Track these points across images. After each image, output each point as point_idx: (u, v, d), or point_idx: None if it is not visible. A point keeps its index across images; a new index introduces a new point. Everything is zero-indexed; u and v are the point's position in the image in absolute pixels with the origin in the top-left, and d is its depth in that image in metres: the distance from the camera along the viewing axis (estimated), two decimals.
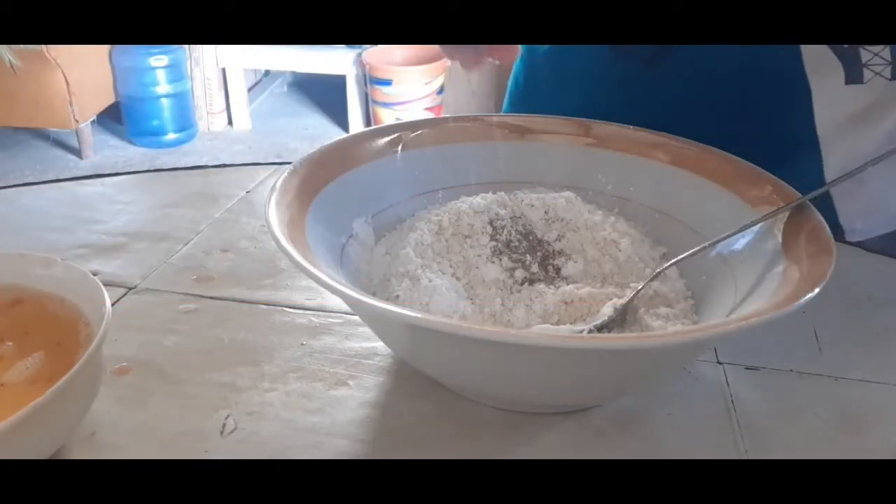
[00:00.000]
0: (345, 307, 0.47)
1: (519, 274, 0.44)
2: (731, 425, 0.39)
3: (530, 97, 0.69)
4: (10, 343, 0.36)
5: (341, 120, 2.79)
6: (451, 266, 0.44)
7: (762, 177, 0.44)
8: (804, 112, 0.56)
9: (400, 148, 0.48)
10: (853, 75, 0.54)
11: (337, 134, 2.67)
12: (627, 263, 0.44)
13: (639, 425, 0.39)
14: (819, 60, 0.54)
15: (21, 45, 2.17)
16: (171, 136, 2.63)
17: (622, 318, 0.40)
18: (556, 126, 0.51)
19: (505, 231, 0.46)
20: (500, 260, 0.44)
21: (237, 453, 0.36)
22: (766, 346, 0.44)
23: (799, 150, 0.57)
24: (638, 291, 0.41)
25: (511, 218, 0.46)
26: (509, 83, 0.71)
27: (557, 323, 0.41)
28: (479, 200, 0.47)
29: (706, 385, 0.42)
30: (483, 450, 0.37)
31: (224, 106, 2.80)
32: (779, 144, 0.56)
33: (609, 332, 0.39)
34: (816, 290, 0.33)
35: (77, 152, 2.54)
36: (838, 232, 0.60)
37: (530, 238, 0.46)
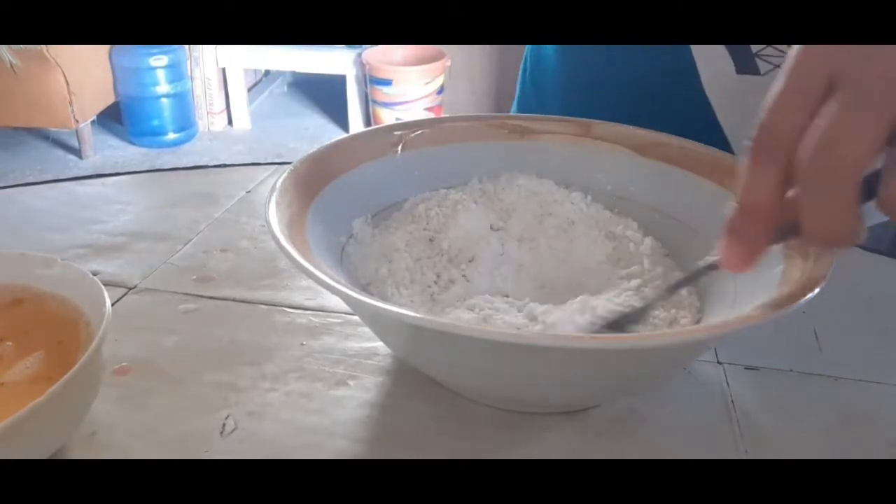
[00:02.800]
0: (345, 307, 0.47)
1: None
2: (731, 425, 0.39)
3: (534, 98, 0.69)
4: (10, 343, 0.36)
5: (341, 120, 2.79)
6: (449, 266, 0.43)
7: None
8: (700, 99, 0.56)
9: (400, 148, 0.48)
10: (743, 65, 0.54)
11: (337, 134, 2.67)
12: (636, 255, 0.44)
13: (639, 425, 0.39)
14: (706, 51, 0.54)
15: (21, 45, 2.17)
16: (171, 136, 2.62)
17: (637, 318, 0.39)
18: (556, 126, 0.51)
19: (504, 230, 0.45)
20: (500, 259, 0.44)
21: (237, 453, 0.36)
22: (766, 346, 0.44)
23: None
24: (659, 297, 0.39)
25: (509, 218, 0.46)
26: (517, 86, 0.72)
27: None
28: (477, 200, 0.47)
29: (706, 385, 0.41)
30: (483, 450, 0.37)
31: (224, 106, 2.80)
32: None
33: (622, 329, 0.38)
34: (816, 290, 0.33)
35: (77, 152, 2.53)
36: None
37: (530, 237, 0.46)
